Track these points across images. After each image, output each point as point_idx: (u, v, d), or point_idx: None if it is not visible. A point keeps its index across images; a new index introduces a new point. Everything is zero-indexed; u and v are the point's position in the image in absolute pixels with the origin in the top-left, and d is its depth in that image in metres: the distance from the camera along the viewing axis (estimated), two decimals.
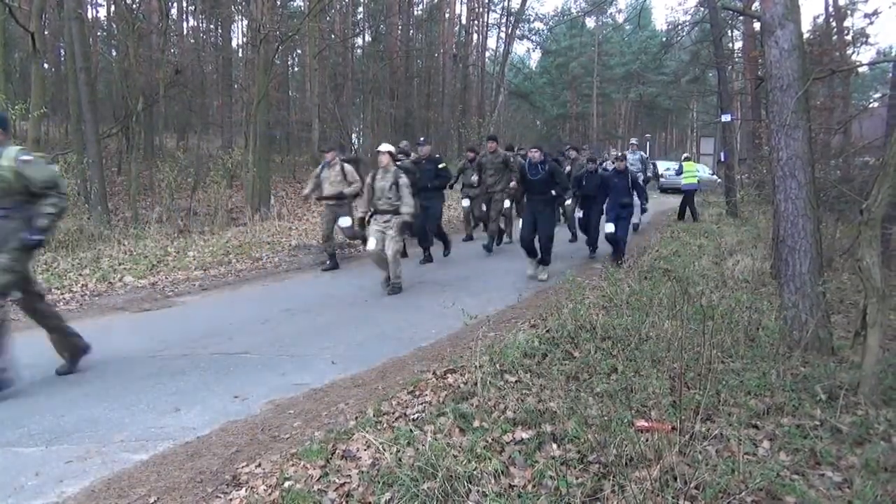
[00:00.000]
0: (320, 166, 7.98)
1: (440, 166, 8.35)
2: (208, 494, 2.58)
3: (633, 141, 12.86)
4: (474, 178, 9.05)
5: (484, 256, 8.68)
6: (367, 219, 6.58)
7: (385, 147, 6.63)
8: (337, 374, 4.13)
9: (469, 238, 9.98)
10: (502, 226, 9.65)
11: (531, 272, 7.23)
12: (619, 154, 8.81)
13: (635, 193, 8.31)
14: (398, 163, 6.75)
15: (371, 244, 6.35)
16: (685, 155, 15.30)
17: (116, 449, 3.02)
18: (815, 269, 3.89)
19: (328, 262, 7.87)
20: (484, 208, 9.12)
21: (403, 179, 6.38)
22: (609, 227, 7.82)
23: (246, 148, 14.10)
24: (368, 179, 6.63)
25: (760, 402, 3.06)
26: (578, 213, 8.56)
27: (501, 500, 2.27)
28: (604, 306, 4.92)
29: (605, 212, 8.02)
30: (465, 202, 9.78)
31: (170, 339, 4.80)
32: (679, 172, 13.96)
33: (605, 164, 11.35)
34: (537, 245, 7.15)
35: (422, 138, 9.33)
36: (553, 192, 7.05)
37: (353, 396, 3.69)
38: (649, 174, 12.65)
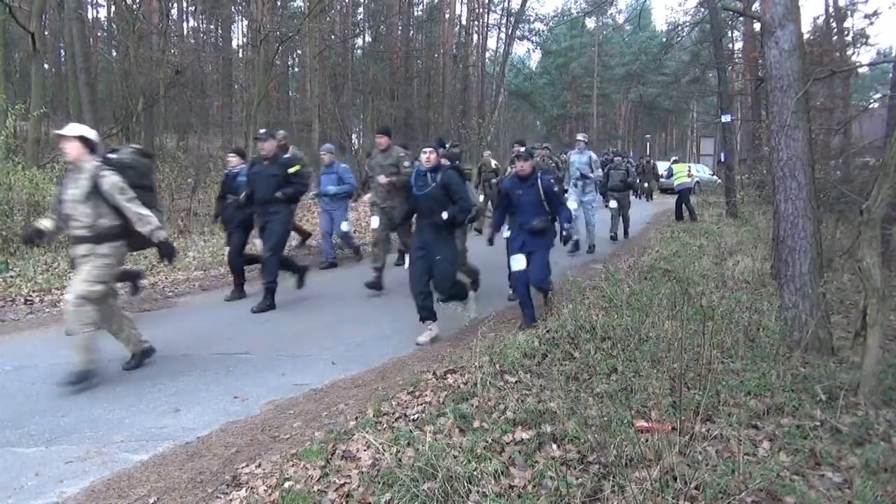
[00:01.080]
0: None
1: (291, 170, 5.78)
2: (208, 495, 2.58)
3: (580, 137, 9.53)
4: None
5: (482, 258, 7.08)
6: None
7: (73, 129, 3.88)
8: (337, 374, 4.13)
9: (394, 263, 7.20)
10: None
11: (422, 339, 4.81)
12: (523, 148, 5.58)
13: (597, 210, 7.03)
14: (111, 155, 4.09)
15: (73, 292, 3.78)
16: (674, 157, 15.59)
17: (116, 449, 3.02)
18: (815, 269, 3.89)
19: None
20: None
21: (110, 180, 3.77)
22: (518, 262, 5.05)
23: (246, 148, 14.08)
24: (55, 189, 4.29)
25: (760, 402, 3.06)
26: (505, 234, 5.60)
27: (501, 500, 2.27)
28: (604, 307, 4.92)
29: (509, 241, 5.37)
30: (375, 220, 6.73)
31: (170, 339, 4.80)
32: (670, 175, 14.20)
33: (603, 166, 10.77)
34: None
35: (262, 130, 6.20)
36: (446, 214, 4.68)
37: (353, 397, 3.68)
38: (596, 174, 9.26)
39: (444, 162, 4.99)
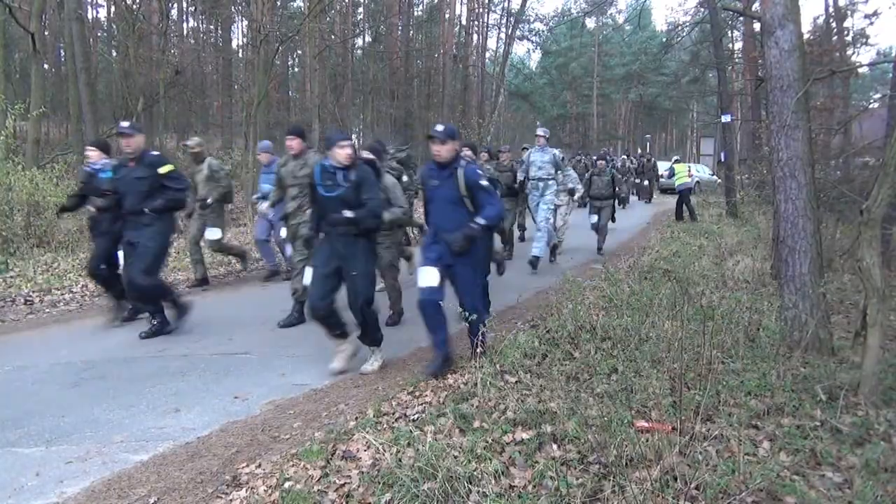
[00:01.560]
0: None
1: (162, 171, 4.71)
2: (208, 495, 2.58)
3: (540, 132, 8.10)
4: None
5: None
6: None
7: None
8: (337, 374, 4.12)
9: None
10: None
11: (336, 365, 4.09)
12: (439, 128, 3.97)
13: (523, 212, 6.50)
14: None
15: None
16: (675, 157, 15.66)
17: (116, 449, 3.02)
18: (815, 269, 3.89)
19: None
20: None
21: None
22: (427, 276, 3.88)
23: (246, 148, 14.11)
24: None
25: (761, 402, 3.06)
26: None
27: (501, 500, 2.27)
28: (604, 307, 4.92)
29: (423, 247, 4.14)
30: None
31: (169, 339, 4.80)
32: (671, 175, 14.29)
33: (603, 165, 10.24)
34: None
35: (124, 123, 4.99)
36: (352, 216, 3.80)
37: (353, 397, 3.69)
38: (576, 186, 8.42)
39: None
